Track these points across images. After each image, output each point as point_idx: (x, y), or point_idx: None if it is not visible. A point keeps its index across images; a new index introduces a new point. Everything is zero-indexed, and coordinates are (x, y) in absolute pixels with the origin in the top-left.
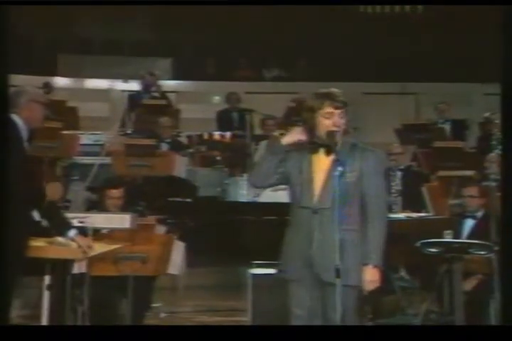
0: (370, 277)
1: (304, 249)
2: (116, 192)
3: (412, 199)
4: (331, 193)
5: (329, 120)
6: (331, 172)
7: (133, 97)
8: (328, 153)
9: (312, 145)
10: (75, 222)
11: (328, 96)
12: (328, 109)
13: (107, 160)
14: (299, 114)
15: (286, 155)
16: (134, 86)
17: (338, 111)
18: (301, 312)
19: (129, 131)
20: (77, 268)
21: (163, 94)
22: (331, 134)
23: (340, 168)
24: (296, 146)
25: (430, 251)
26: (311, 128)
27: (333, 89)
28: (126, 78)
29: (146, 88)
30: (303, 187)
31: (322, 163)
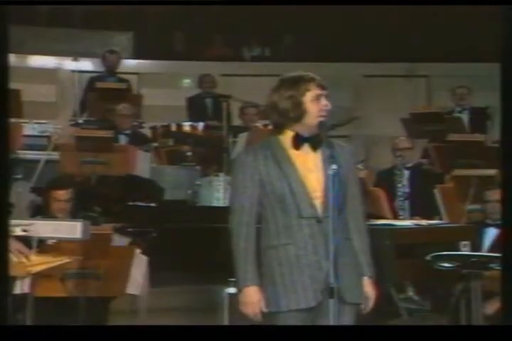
0: (372, 291)
1: (317, 268)
2: (63, 194)
3: (422, 204)
4: (332, 197)
5: (318, 103)
6: (324, 171)
7: (94, 80)
8: (314, 148)
9: (297, 141)
10: (18, 231)
11: (308, 77)
12: (317, 91)
13: (55, 155)
14: (271, 110)
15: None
16: (86, 65)
17: (325, 92)
18: None
19: (80, 121)
20: (19, 288)
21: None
22: (322, 122)
23: (334, 166)
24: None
25: (443, 266)
26: (295, 120)
27: (303, 72)
28: (76, 55)
29: (109, 69)
30: (294, 193)
31: (309, 161)
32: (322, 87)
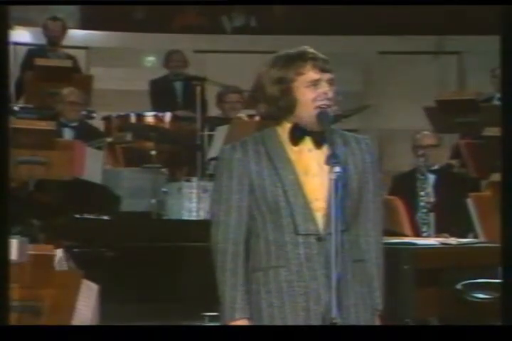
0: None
1: (314, 298)
2: None
3: (451, 217)
4: (334, 207)
5: (315, 90)
6: (330, 175)
7: (33, 55)
8: (318, 144)
9: (295, 134)
10: None
11: (306, 56)
12: (313, 75)
13: None
14: (259, 96)
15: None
16: (23, 36)
17: (326, 76)
18: None
19: (16, 108)
20: None
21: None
22: (323, 113)
23: (337, 169)
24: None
25: (478, 298)
26: (286, 110)
27: (307, 48)
28: (10, 23)
29: (52, 42)
30: (289, 202)
31: (312, 161)
32: (322, 70)
